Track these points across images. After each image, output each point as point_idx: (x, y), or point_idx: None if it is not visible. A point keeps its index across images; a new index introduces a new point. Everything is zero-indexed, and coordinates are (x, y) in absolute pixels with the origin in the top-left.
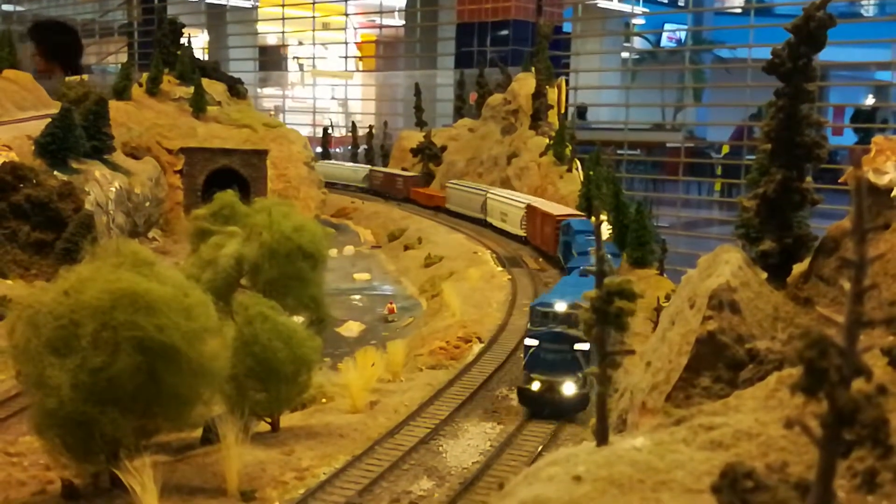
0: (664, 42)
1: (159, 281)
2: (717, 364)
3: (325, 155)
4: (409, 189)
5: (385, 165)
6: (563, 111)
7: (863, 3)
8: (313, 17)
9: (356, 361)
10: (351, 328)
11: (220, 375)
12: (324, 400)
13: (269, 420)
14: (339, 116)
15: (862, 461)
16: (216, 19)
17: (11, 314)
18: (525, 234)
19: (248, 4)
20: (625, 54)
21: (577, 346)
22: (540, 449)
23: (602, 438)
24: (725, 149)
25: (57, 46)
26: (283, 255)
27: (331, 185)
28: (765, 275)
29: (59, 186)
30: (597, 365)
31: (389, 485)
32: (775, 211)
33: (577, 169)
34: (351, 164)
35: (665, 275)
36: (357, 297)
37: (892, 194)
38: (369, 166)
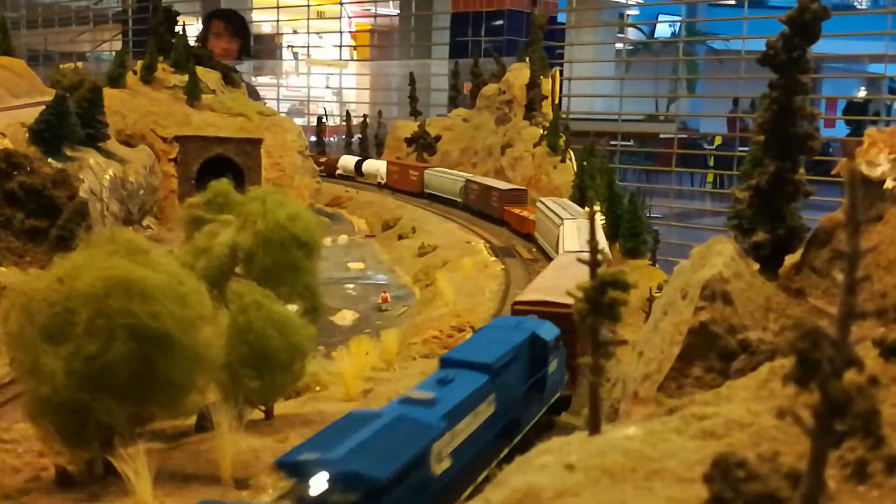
0: (666, 27)
1: (153, 269)
2: (710, 354)
3: (320, 144)
4: (503, 207)
5: (379, 155)
6: (557, 102)
7: None
8: (308, 6)
9: (350, 350)
10: (345, 317)
11: (214, 363)
12: (318, 388)
13: (263, 408)
14: (334, 105)
15: (853, 451)
16: (210, 7)
17: (5, 301)
18: None
19: None
20: (619, 45)
21: None
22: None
23: (594, 428)
24: (718, 140)
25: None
26: (278, 244)
27: (437, 199)
28: (757, 266)
29: (53, 174)
30: (590, 355)
31: None
32: (768, 202)
33: (570, 159)
34: (453, 172)
35: (658, 265)
36: (351, 286)
37: (885, 186)
38: (466, 175)
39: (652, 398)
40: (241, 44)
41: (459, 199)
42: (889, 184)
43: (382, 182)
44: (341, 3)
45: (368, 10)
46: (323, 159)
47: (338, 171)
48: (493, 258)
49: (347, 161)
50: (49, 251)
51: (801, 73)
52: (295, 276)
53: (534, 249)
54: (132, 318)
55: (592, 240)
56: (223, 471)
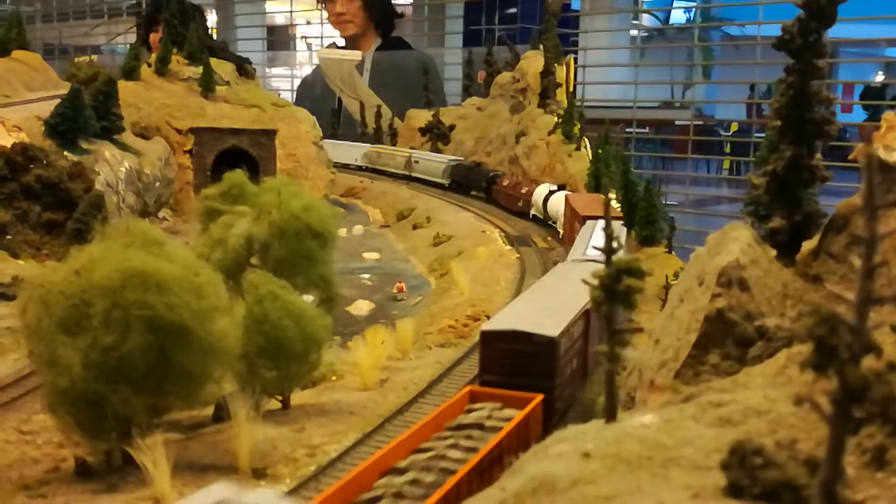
0: (681, 13)
1: (169, 260)
2: (726, 341)
3: (334, 135)
4: None
5: (393, 145)
6: (571, 89)
7: None
8: None
9: (366, 339)
10: (360, 307)
11: (230, 354)
12: (334, 378)
13: (279, 398)
14: None
15: (871, 438)
16: None
17: (23, 294)
18: None
19: None
20: (633, 32)
21: None
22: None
23: (611, 416)
24: (734, 126)
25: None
26: (293, 235)
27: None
28: (774, 252)
29: (69, 167)
30: (606, 342)
31: None
32: (785, 188)
33: (585, 147)
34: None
35: (674, 253)
36: (366, 276)
37: None
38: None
39: (668, 386)
40: (366, 7)
41: None
42: None
43: (561, 234)
44: None
45: None
46: (523, 189)
47: (532, 212)
48: (508, 247)
49: (540, 194)
50: (66, 244)
51: (817, 58)
52: (310, 266)
53: (549, 238)
54: (148, 309)
55: (608, 227)
56: (241, 461)
